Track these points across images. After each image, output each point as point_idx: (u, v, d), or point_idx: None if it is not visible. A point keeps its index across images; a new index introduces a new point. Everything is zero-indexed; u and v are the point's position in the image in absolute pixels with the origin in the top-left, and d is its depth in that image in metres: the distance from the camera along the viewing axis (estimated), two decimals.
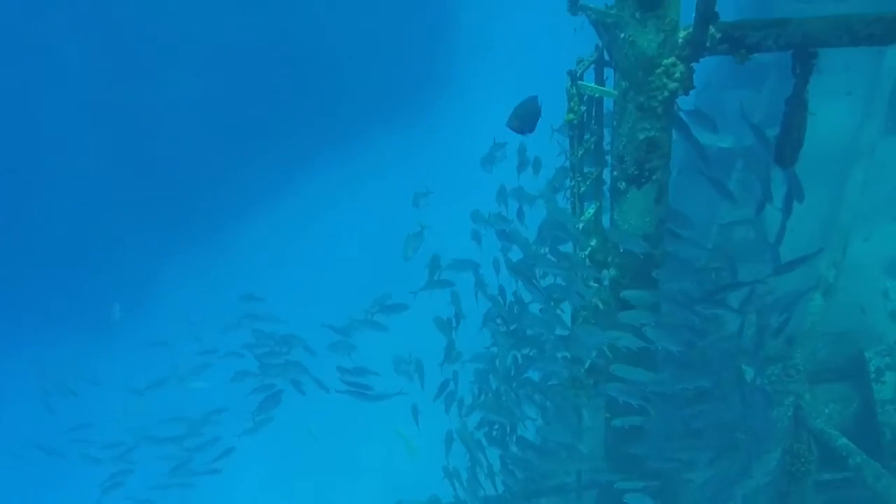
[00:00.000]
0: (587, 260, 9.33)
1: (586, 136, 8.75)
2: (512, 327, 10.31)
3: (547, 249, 9.54)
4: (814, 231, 13.01)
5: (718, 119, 14.26)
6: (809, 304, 12.06)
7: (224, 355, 16.19)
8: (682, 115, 8.19)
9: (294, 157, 28.31)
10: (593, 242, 9.39)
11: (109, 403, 20.17)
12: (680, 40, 7.65)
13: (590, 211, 9.33)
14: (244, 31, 28.53)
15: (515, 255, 9.93)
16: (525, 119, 8.75)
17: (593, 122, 8.81)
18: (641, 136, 8.08)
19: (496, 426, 11.32)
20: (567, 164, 9.03)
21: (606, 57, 8.45)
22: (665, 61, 7.68)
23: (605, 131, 8.91)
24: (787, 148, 7.91)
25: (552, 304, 9.56)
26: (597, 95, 8.45)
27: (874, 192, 13.99)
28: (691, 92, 7.94)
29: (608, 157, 8.91)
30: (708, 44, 7.54)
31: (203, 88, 28.60)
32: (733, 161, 15.43)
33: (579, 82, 8.21)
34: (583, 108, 8.48)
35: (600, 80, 8.63)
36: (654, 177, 8.35)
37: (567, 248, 9.42)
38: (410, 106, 29.10)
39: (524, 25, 30.53)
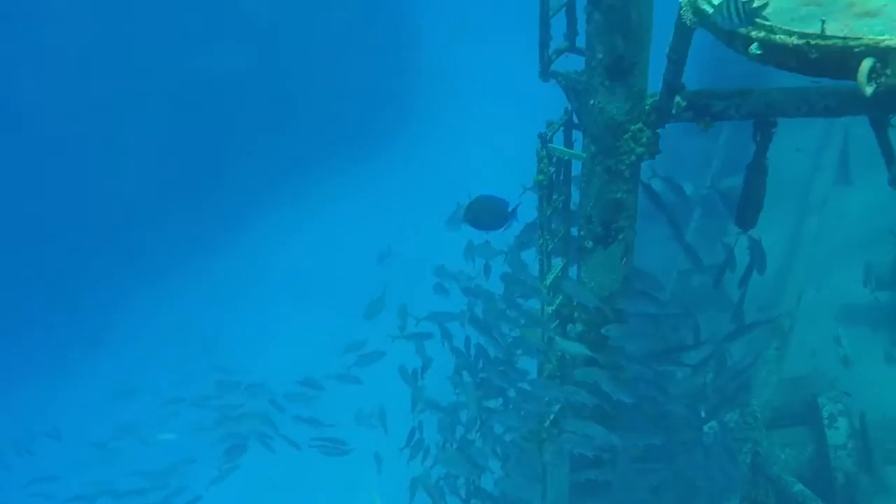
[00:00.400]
0: (554, 315, 9.58)
1: (555, 196, 9.02)
2: (477, 379, 10.53)
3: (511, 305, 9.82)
4: (770, 281, 13.37)
5: (676, 167, 14.66)
6: (765, 353, 12.40)
7: (190, 404, 16.10)
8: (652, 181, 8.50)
9: (252, 192, 27.87)
10: (560, 298, 9.64)
11: (70, 456, 19.52)
12: (647, 107, 7.95)
13: (557, 267, 9.59)
14: (198, 67, 28.27)
15: (481, 309, 10.20)
16: (483, 217, 9.14)
17: (562, 182, 9.08)
18: (609, 198, 8.38)
19: (459, 478, 11.48)
20: (536, 221, 9.29)
21: (575, 120, 8.74)
22: (633, 127, 7.98)
23: (573, 191, 9.19)
24: (747, 211, 8.23)
25: (515, 357, 9.84)
26: (566, 158, 8.73)
27: (828, 242, 14.41)
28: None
29: (576, 217, 9.19)
30: (674, 111, 7.83)
31: (160, 123, 28.31)
32: (691, 209, 15.82)
33: (549, 145, 8.49)
34: (552, 169, 8.75)
35: (569, 142, 8.92)
36: (621, 236, 8.65)
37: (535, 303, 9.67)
38: (373, 138, 28.86)
39: (489, 56, 30.65)
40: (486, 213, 9.66)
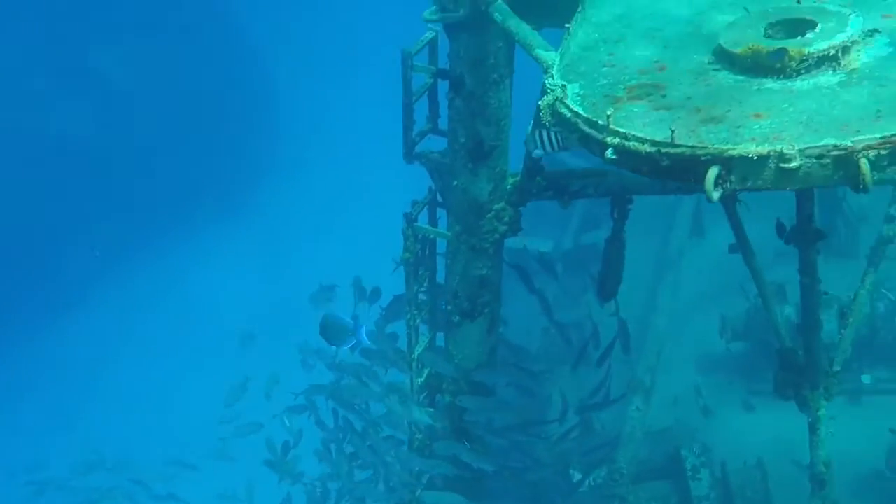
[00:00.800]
0: (423, 386, 9.70)
1: (421, 271, 9.18)
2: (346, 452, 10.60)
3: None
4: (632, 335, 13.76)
5: (538, 223, 14.99)
6: (629, 408, 12.75)
7: (49, 487, 15.44)
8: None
9: (107, 257, 26.99)
10: (428, 370, 9.78)
11: None
12: (509, 186, 8.19)
13: (424, 340, 9.73)
14: (45, 127, 27.27)
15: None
16: (332, 334, 9.51)
17: (427, 256, 9.25)
18: (474, 274, 8.60)
19: None
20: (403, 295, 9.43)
21: (439, 198, 8.92)
22: (496, 206, 8.23)
23: (438, 267, 9.38)
24: (607, 283, 8.53)
25: (379, 431, 9.96)
26: (431, 237, 8.90)
27: (685, 293, 14.91)
28: None
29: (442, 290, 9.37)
30: (535, 190, 8.09)
31: (16, 182, 27.20)
32: (553, 265, 16.19)
33: (414, 224, 8.64)
34: (418, 246, 8.91)
35: (433, 219, 9.09)
36: (486, 310, 8.88)
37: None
38: (231, 197, 28.46)
39: (348, 103, 30.64)
40: (335, 331, 10.20)
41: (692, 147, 4.92)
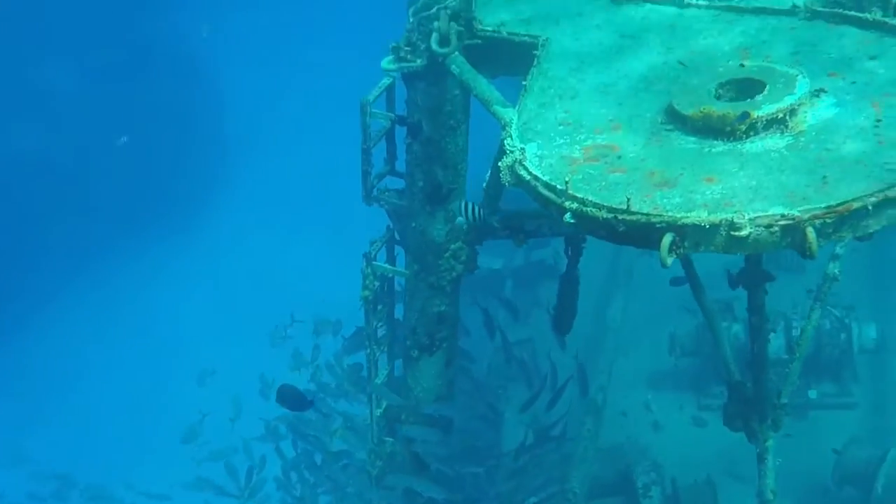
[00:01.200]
0: (382, 417, 9.85)
1: (380, 307, 9.33)
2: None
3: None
4: (582, 354, 13.96)
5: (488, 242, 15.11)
6: (581, 428, 12.94)
7: None
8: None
9: (60, 274, 26.26)
10: (385, 402, 9.93)
11: None
12: (465, 227, 8.36)
13: (383, 373, 9.88)
14: None
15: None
16: (289, 402, 9.84)
17: (385, 293, 9.41)
18: (432, 311, 8.79)
19: None
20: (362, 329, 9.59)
21: (397, 237, 9.07)
22: (452, 246, 8.41)
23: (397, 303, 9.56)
24: (563, 318, 8.73)
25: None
26: (390, 275, 9.06)
27: (635, 310, 15.14)
28: None
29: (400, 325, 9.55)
30: (490, 230, 8.27)
31: None
32: (503, 281, 16.39)
33: (373, 263, 8.79)
34: (377, 283, 9.06)
35: (391, 256, 9.24)
36: (444, 344, 9.07)
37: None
38: (182, 212, 28.07)
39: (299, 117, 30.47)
40: (292, 399, 10.74)
41: (647, 215, 5.11)
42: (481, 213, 7.18)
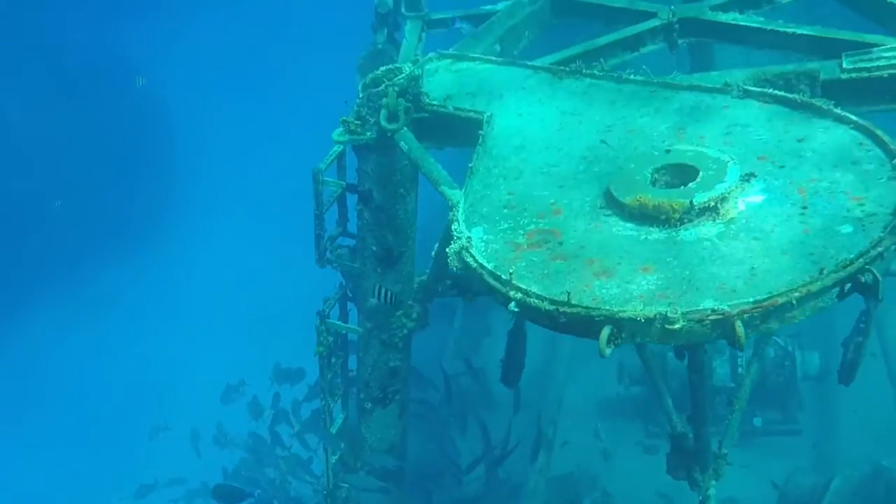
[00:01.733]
0: (338, 463, 10.07)
1: (333, 360, 9.55)
2: None
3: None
4: (531, 385, 14.22)
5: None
6: (534, 463, 13.20)
7: None
8: None
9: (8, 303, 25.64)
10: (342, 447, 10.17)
11: None
12: (416, 286, 8.64)
13: (338, 421, 10.10)
14: None
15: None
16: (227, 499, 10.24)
17: (340, 348, 9.64)
18: (385, 366, 9.05)
19: None
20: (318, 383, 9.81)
21: (350, 294, 9.29)
22: (404, 305, 8.65)
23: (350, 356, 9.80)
24: (510, 372, 8.99)
25: None
26: (343, 332, 9.28)
27: (583, 340, 15.36)
28: None
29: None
30: (440, 289, 8.55)
31: None
32: (454, 310, 16.61)
33: (327, 320, 9.01)
34: (330, 338, 9.27)
35: (344, 312, 9.45)
36: (397, 397, 9.32)
37: None
38: (131, 238, 27.89)
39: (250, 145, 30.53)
40: (229, 498, 11.19)
41: (587, 308, 5.40)
42: (393, 297, 7.99)
